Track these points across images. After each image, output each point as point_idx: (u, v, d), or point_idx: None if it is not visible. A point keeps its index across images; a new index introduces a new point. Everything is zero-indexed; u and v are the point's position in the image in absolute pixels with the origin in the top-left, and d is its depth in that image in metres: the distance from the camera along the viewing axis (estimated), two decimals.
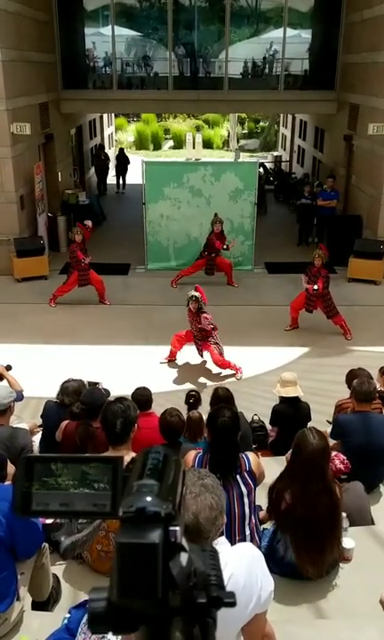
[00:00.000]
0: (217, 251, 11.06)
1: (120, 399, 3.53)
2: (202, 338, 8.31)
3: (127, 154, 21.58)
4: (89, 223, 10.63)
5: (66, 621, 2.68)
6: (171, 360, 8.70)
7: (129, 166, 20.65)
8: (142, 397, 5.30)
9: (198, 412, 5.63)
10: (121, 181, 20.56)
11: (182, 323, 9.91)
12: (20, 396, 5.39)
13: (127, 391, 5.97)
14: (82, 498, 0.85)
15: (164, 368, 8.50)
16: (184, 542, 0.78)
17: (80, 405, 4.69)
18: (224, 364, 8.30)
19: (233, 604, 0.80)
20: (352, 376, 5.58)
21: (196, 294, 8.13)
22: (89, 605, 0.79)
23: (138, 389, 5.45)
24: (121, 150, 21.51)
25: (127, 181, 20.50)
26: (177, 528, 0.76)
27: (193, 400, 5.98)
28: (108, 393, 5.28)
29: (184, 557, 0.78)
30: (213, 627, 0.80)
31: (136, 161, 18.85)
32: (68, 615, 2.71)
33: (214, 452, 3.33)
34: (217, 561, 0.87)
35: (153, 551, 0.74)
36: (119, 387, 7.91)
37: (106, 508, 0.84)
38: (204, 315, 8.09)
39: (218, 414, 3.38)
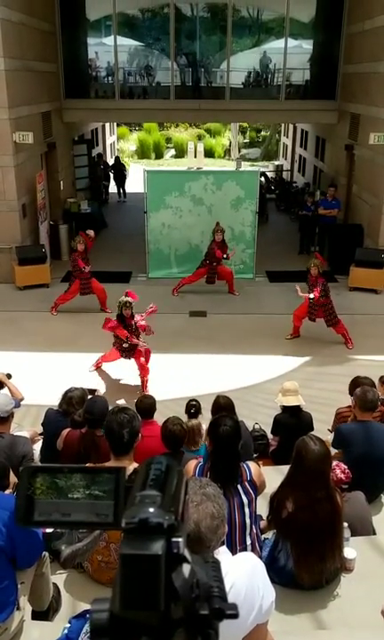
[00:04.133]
0: (218, 260, 11.08)
1: (124, 409, 3.53)
2: (131, 348, 8.17)
3: (124, 162, 21.66)
4: (91, 233, 10.65)
5: (66, 631, 2.67)
6: (98, 367, 8.69)
7: (126, 173, 20.69)
8: (146, 406, 5.29)
9: (196, 419, 5.62)
10: (121, 190, 20.61)
11: (182, 330, 9.94)
12: (16, 404, 5.39)
13: (125, 399, 5.98)
14: (84, 508, 0.85)
15: (164, 376, 8.48)
16: (187, 553, 0.78)
17: (85, 415, 4.68)
18: (144, 372, 8.15)
19: (235, 616, 0.80)
20: (356, 384, 5.52)
21: (129, 299, 8.03)
22: (91, 616, 0.78)
23: (142, 397, 5.44)
24: (117, 159, 21.60)
25: (127, 190, 20.55)
26: (180, 539, 0.76)
27: (194, 410, 5.96)
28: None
29: (187, 569, 0.78)
30: (216, 638, 0.80)
31: (138, 170, 18.93)
32: (69, 625, 2.71)
33: (215, 461, 3.33)
34: (219, 572, 0.87)
35: (156, 563, 0.74)
36: (118, 395, 7.96)
37: (108, 518, 0.84)
38: (138, 318, 8.04)
39: (219, 423, 3.37)
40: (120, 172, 20.59)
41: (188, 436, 5.29)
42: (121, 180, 20.54)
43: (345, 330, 9.33)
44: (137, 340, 8.05)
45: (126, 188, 20.58)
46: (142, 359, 8.13)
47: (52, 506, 0.85)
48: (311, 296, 9.02)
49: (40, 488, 0.86)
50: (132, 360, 8.30)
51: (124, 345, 8.17)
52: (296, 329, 9.60)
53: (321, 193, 14.97)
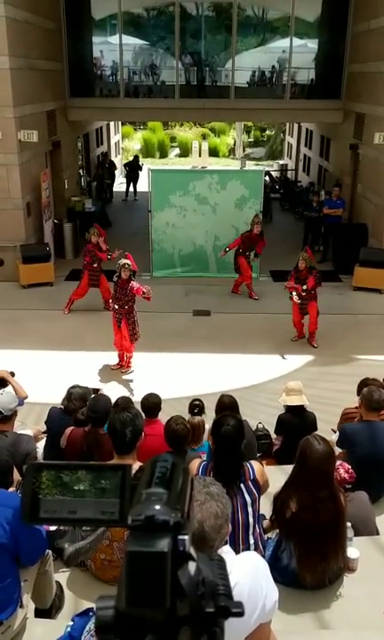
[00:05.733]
0: (252, 250, 11.08)
1: (127, 408, 3.53)
2: (120, 309, 8.44)
3: (142, 162, 21.67)
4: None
5: (69, 629, 2.67)
6: (122, 366, 8.76)
7: (140, 172, 20.71)
8: (152, 404, 5.28)
9: (199, 417, 5.61)
10: (131, 189, 20.58)
11: (186, 330, 9.93)
12: (20, 402, 5.38)
13: (129, 397, 5.98)
14: (90, 505, 0.85)
15: (167, 375, 8.49)
16: (192, 551, 0.78)
17: (88, 413, 4.68)
18: (125, 348, 8.54)
19: (241, 614, 0.80)
20: (364, 386, 5.50)
21: (128, 262, 8.27)
22: (97, 613, 0.78)
23: (148, 395, 5.42)
24: (135, 158, 21.59)
25: (138, 189, 20.53)
26: (186, 537, 0.76)
27: (197, 410, 5.95)
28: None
29: (192, 566, 0.78)
30: (221, 636, 0.79)
31: (143, 169, 18.96)
32: (71, 623, 2.71)
33: (218, 461, 3.32)
34: (225, 570, 0.87)
35: (162, 560, 0.73)
36: (122, 393, 7.95)
37: (114, 515, 0.83)
38: (133, 282, 8.30)
39: (222, 422, 3.37)
40: (135, 171, 20.53)
41: (191, 433, 5.28)
42: (134, 179, 20.50)
43: (315, 329, 9.33)
44: (113, 305, 8.48)
45: (138, 187, 20.54)
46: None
47: (58, 503, 0.85)
48: (304, 287, 9.00)
49: (45, 482, 0.86)
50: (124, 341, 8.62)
51: (116, 306, 8.43)
52: (301, 332, 9.58)
53: (325, 192, 14.94)
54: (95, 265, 10.18)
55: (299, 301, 9.08)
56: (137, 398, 5.61)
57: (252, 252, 11.17)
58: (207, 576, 0.82)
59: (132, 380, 8.42)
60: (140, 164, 21.14)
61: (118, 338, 8.57)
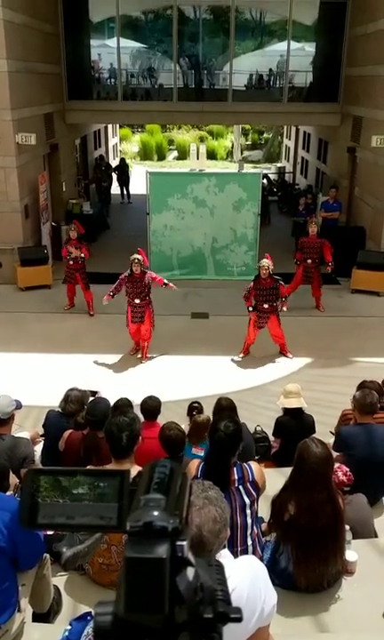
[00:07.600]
0: (317, 255, 10.41)
1: (124, 411, 3.53)
2: (141, 302, 8.71)
3: (128, 164, 21.69)
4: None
5: (66, 633, 2.67)
6: (138, 350, 9.10)
7: (129, 174, 20.67)
8: (151, 407, 5.26)
9: (205, 415, 5.59)
10: (125, 191, 20.59)
11: (184, 332, 9.93)
12: (18, 405, 5.35)
13: (129, 399, 5.98)
14: (88, 511, 0.85)
15: (165, 377, 8.49)
16: (191, 557, 0.78)
17: (86, 416, 4.68)
18: (145, 337, 8.86)
19: (239, 620, 0.80)
20: (362, 388, 5.51)
21: (139, 257, 8.56)
22: (95, 619, 0.78)
23: (147, 398, 5.41)
24: (122, 160, 21.60)
25: (131, 191, 20.53)
26: (184, 543, 0.76)
27: (196, 412, 5.95)
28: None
29: (191, 572, 0.78)
30: None
31: (140, 171, 18.96)
32: (69, 627, 2.70)
33: (206, 463, 3.33)
34: (223, 576, 0.87)
35: (160, 566, 0.73)
36: (120, 396, 7.94)
37: (112, 521, 0.83)
38: (150, 273, 8.67)
39: (217, 427, 3.32)
40: (125, 173, 20.55)
41: (200, 430, 5.23)
42: (125, 182, 20.50)
43: (283, 340, 9.12)
44: (132, 300, 8.75)
45: (130, 189, 20.54)
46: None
47: (56, 508, 0.85)
48: (284, 308, 8.80)
49: (44, 487, 0.86)
50: (140, 332, 9.03)
51: (136, 300, 8.66)
52: (246, 349, 9.22)
53: (306, 192, 14.83)
54: (71, 262, 10.28)
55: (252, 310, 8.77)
56: (136, 401, 5.60)
57: (314, 258, 10.54)
58: (205, 581, 0.82)
59: (130, 383, 8.40)
60: (127, 164, 21.16)
61: (133, 328, 8.91)
